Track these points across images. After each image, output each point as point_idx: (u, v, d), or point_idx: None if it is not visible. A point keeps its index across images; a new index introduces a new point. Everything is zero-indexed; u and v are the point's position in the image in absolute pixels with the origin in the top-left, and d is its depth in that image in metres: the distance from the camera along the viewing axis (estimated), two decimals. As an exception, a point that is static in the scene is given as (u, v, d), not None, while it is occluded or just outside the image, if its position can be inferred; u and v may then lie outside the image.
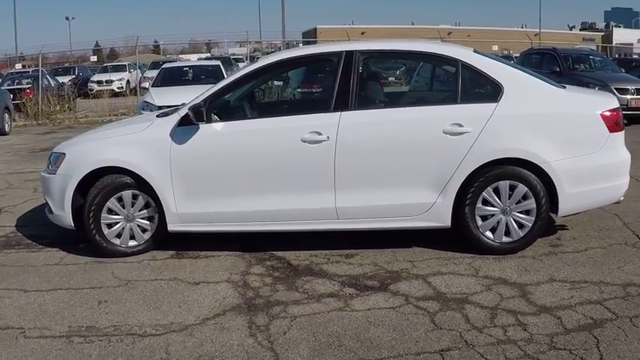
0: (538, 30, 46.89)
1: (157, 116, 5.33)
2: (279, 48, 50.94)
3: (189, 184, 4.88)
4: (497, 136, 4.69)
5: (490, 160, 4.70)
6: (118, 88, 25.56)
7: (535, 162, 4.69)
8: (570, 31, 75.22)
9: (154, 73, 23.97)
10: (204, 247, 5.23)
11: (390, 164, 4.77)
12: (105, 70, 28.25)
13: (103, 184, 5.00)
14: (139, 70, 24.44)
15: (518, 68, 5.23)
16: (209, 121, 4.86)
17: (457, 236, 4.99)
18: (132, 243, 5.14)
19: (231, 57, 33.61)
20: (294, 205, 4.82)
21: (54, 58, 37.44)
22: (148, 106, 11.64)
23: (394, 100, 5.44)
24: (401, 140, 4.76)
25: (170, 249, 5.22)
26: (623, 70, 15.73)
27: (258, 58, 23.79)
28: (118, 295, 4.34)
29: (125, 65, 29.48)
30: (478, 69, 4.88)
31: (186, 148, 4.85)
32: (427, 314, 3.89)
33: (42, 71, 19.44)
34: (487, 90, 4.89)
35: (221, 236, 5.20)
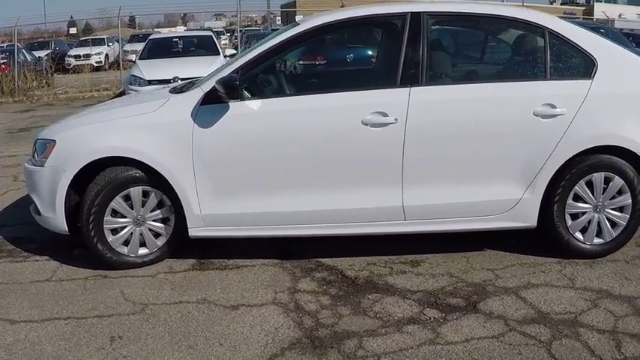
0: (520, 4, 46.04)
1: (170, 92, 4.32)
2: (256, 22, 49.38)
3: (218, 178, 3.90)
4: (593, 119, 3.92)
5: (586, 147, 3.92)
6: (96, 62, 24.70)
7: (635, 151, 3.95)
8: (551, 5, 74.56)
9: (133, 47, 22.92)
10: (231, 254, 4.26)
11: (471, 153, 3.88)
12: (83, 44, 26.86)
13: (105, 179, 3.98)
14: (118, 44, 23.15)
15: (609, 39, 4.38)
16: (242, 98, 3.88)
17: (541, 237, 4.16)
18: (142, 251, 4.15)
19: (213, 29, 32.37)
20: (352, 203, 3.89)
21: (28, 33, 35.75)
22: (137, 81, 11.02)
23: (472, 75, 4.51)
24: (484, 123, 3.87)
25: (189, 256, 4.25)
26: (634, 45, 14.96)
27: (240, 31, 22.66)
28: (134, 326, 3.34)
29: (104, 39, 28.26)
30: (568, 39, 4.06)
31: (214, 133, 3.85)
32: (541, 345, 3.07)
33: (17, 46, 18.12)
34: (579, 64, 4.09)
35: (251, 239, 4.22)
